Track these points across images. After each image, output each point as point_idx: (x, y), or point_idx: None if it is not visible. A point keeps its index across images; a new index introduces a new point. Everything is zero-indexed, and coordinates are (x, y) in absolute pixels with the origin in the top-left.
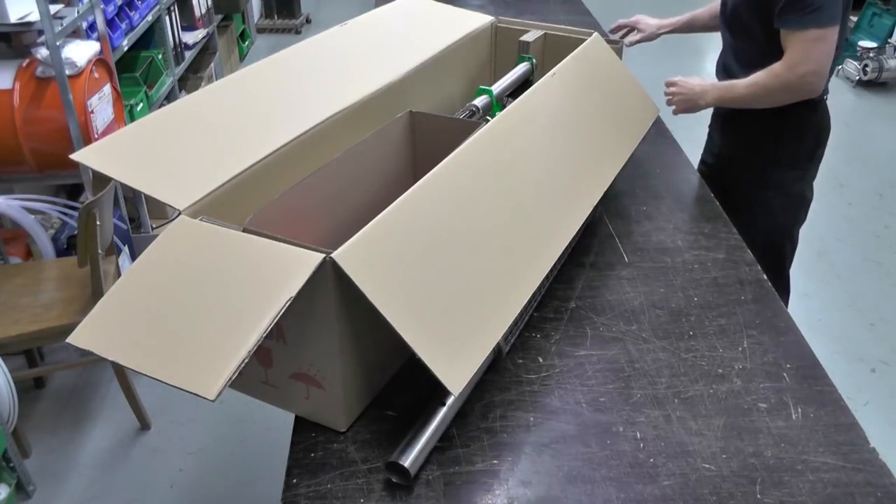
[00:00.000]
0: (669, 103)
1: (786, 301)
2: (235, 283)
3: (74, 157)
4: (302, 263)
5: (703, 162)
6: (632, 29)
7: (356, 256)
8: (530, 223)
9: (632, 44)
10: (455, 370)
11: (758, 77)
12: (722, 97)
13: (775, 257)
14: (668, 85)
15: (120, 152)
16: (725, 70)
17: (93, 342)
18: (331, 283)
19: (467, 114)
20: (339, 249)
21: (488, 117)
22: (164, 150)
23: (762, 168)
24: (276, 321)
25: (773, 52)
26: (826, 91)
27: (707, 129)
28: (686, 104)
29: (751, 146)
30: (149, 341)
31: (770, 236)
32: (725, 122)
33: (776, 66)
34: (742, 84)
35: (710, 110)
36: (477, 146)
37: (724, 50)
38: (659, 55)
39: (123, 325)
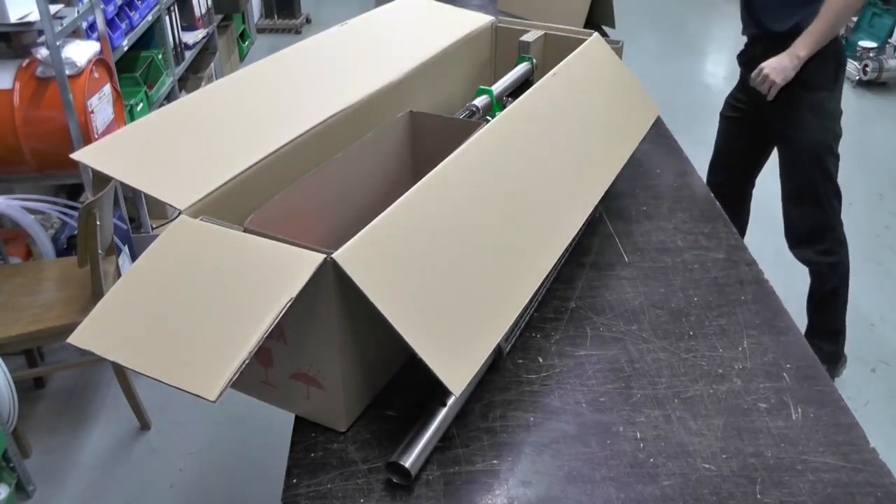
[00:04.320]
0: (763, 84)
1: (839, 205)
2: (236, 283)
3: (75, 156)
4: (303, 264)
5: (735, 98)
6: None
7: (357, 257)
8: (531, 223)
9: None
10: (456, 370)
11: (827, 5)
12: (806, 44)
13: (822, 167)
14: (757, 75)
15: (120, 152)
16: (754, 39)
17: (93, 342)
18: (331, 283)
19: (467, 114)
20: (340, 250)
21: (488, 117)
22: (165, 150)
23: (795, 92)
24: (276, 321)
25: None
26: None
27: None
28: (781, 73)
29: None
30: (149, 341)
31: (813, 150)
32: (754, 58)
33: None
34: (818, 21)
35: (741, 46)
36: (477, 146)
37: (750, 8)
38: (659, 55)
39: (124, 326)
